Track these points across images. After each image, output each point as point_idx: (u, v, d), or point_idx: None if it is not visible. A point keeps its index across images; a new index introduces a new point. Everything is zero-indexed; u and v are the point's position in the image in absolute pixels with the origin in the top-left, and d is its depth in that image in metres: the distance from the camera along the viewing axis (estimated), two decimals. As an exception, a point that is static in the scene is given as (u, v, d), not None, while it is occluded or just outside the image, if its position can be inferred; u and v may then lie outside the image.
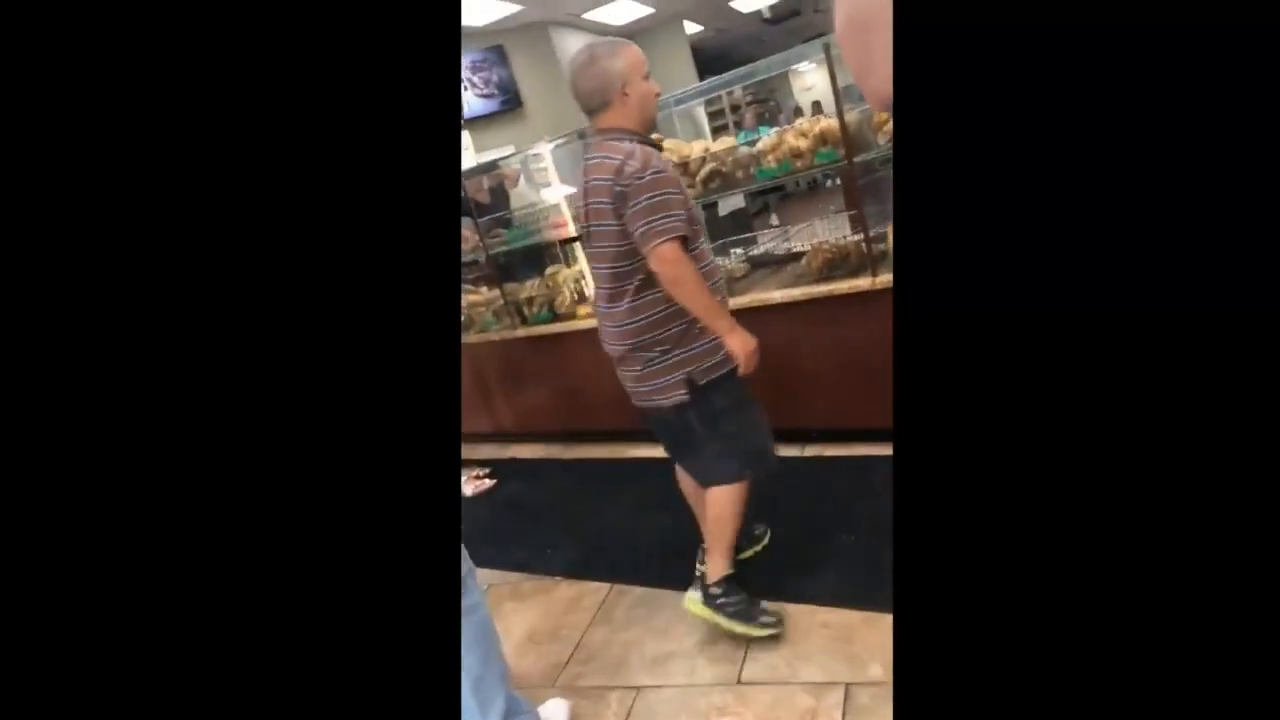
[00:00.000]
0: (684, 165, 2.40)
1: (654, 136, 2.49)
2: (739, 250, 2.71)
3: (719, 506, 1.70)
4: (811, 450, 2.43)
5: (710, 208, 2.96)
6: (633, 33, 7.93)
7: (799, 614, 1.71)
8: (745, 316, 2.34)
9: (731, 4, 7.64)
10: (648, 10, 7.20)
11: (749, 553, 1.96)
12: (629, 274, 1.57)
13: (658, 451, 2.82)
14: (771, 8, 8.18)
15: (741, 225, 3.00)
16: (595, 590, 2.05)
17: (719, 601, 1.70)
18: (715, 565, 1.72)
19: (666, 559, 2.08)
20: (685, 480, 1.87)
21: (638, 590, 2.00)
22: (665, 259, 1.48)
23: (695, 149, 2.42)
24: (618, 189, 1.49)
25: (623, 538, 2.29)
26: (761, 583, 1.84)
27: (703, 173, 2.36)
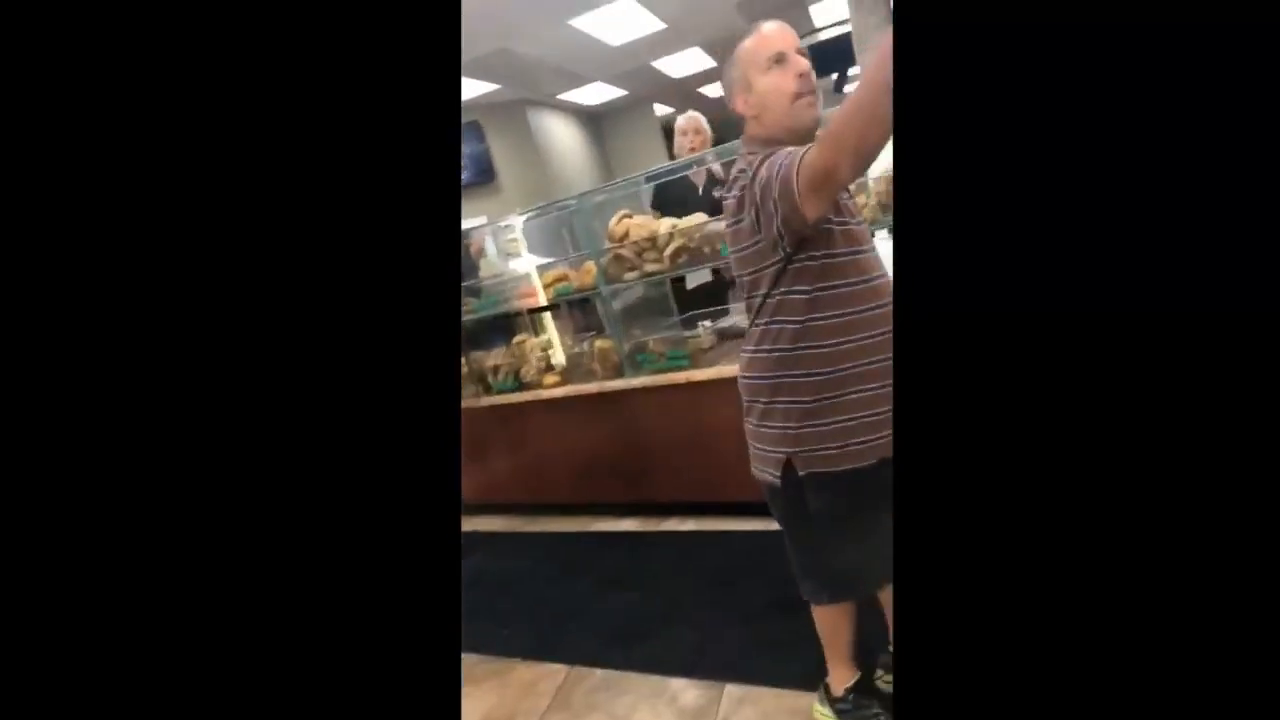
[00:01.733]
0: (652, 241, 2.44)
1: (622, 216, 2.57)
2: (707, 323, 2.74)
3: (820, 624, 1.46)
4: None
5: (678, 281, 3.00)
6: (605, 114, 8.22)
7: (764, 698, 1.65)
8: (714, 388, 2.36)
9: (700, 89, 7.99)
10: (620, 92, 7.49)
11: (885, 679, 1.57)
12: (752, 307, 1.24)
13: (623, 525, 2.77)
14: (739, 94, 8.56)
15: (709, 299, 3.04)
16: (553, 673, 1.96)
17: (852, 713, 1.46)
18: (838, 674, 1.49)
19: (629, 640, 2.00)
20: None
21: (599, 673, 1.91)
22: (812, 162, 0.99)
23: (663, 225, 2.47)
24: (730, 199, 1.18)
25: (584, 616, 2.20)
26: (724, 661, 1.78)
27: (670, 248, 2.40)
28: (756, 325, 1.22)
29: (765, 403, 1.23)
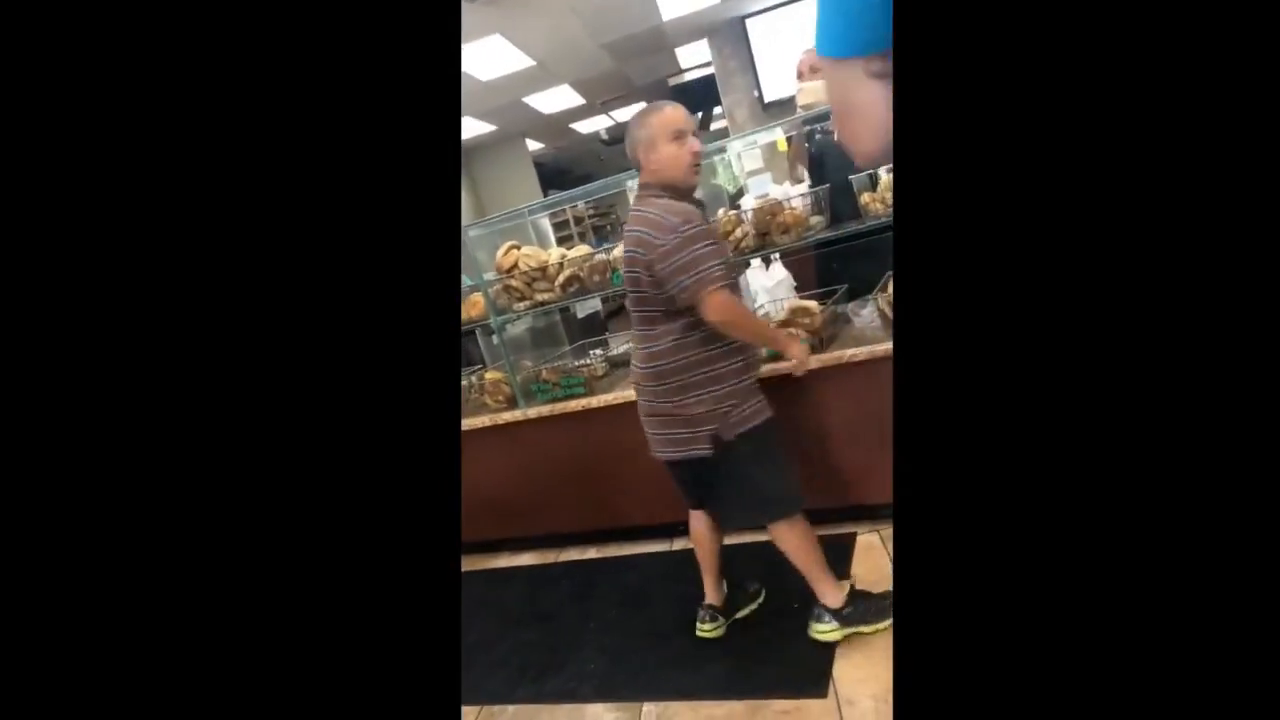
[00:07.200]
0: (542, 270, 2.47)
1: (510, 248, 2.59)
2: (598, 351, 2.78)
3: (785, 543, 1.73)
4: (680, 544, 2.46)
5: (565, 311, 3.04)
6: (476, 148, 8.18)
7: (682, 712, 1.68)
8: (610, 414, 2.40)
9: (571, 125, 8.14)
10: (490, 128, 7.49)
11: (746, 610, 1.97)
12: (657, 317, 1.65)
13: (520, 560, 2.72)
14: (609, 130, 8.80)
15: (598, 328, 3.10)
16: (464, 715, 1.90)
17: (856, 616, 1.72)
18: (831, 592, 1.74)
19: (539, 673, 1.98)
20: (696, 523, 1.89)
21: (510, 709, 1.88)
22: (716, 307, 1.55)
23: (554, 255, 2.51)
24: (644, 259, 1.59)
25: (488, 655, 2.15)
26: (642, 681, 1.80)
27: (561, 278, 2.43)
28: (655, 338, 1.68)
29: (689, 381, 1.64)
